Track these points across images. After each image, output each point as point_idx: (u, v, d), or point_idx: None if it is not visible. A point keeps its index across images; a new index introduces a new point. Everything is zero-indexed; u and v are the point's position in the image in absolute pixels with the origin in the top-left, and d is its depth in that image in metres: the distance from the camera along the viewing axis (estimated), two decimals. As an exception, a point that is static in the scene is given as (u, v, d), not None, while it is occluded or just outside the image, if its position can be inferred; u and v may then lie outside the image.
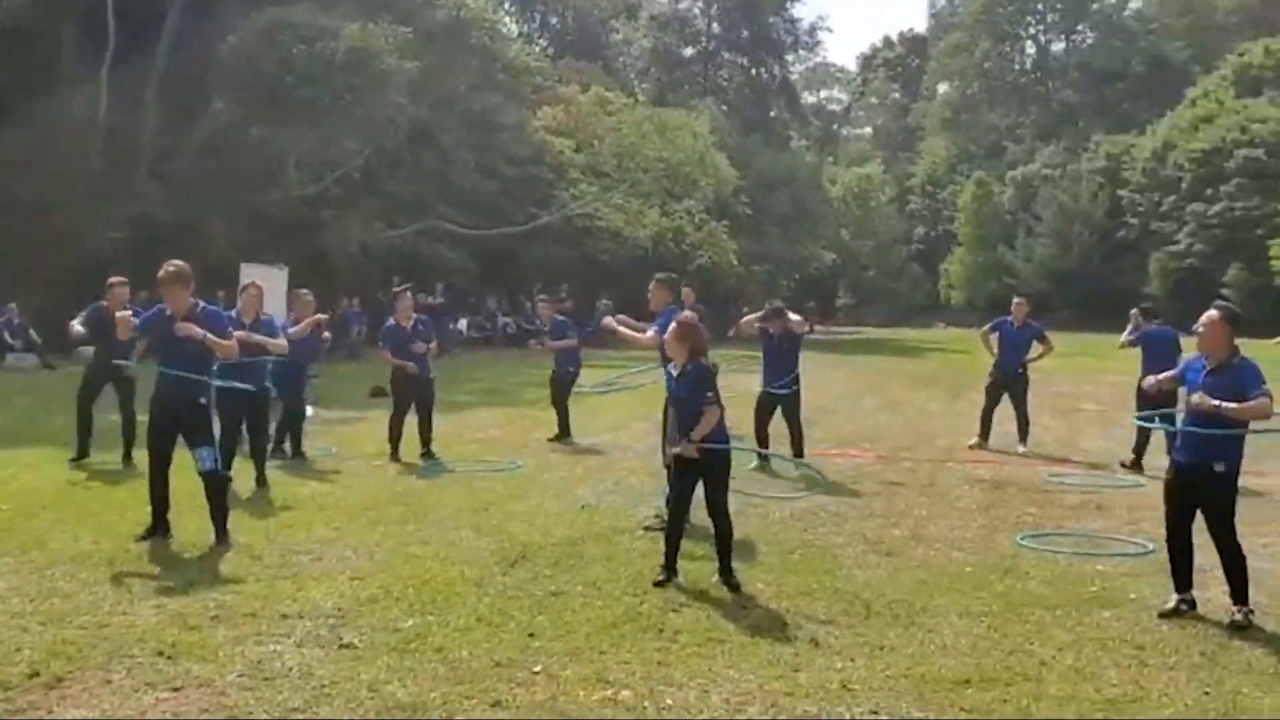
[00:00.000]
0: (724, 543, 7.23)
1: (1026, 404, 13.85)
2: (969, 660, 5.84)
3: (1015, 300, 14.49)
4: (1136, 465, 12.22)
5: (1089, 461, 12.97)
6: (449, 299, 33.50)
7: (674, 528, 7.36)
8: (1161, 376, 7.52)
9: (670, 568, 7.27)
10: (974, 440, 13.85)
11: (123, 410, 11.91)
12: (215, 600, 6.69)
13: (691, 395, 7.29)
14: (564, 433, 14.03)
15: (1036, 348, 14.01)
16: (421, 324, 12.73)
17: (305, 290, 13.26)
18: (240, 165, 29.80)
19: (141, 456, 11.69)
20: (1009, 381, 13.86)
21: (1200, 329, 6.79)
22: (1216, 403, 6.55)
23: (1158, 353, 11.76)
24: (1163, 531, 6.99)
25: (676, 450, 7.30)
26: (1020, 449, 13.46)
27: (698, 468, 7.26)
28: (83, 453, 11.80)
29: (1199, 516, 6.78)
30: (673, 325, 7.55)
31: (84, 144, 27.21)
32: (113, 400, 12.01)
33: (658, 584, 7.15)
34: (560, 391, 14.25)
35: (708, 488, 7.29)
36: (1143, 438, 12.28)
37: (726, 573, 7.16)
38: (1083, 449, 14.02)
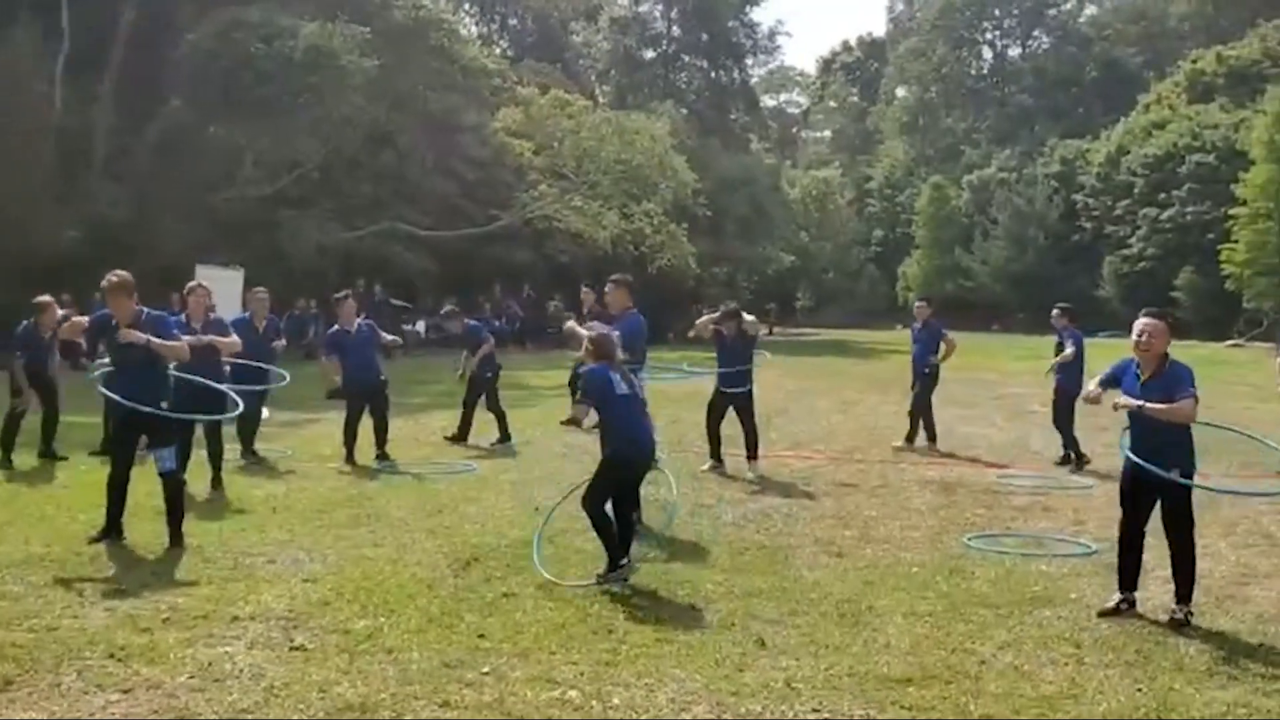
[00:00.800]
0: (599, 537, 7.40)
1: (927, 402, 14.24)
2: (911, 659, 5.95)
3: (917, 304, 15.16)
4: (1080, 465, 12.56)
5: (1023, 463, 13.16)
6: (383, 301, 33.34)
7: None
8: (1097, 381, 7.43)
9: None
10: (924, 443, 14.10)
11: (44, 407, 12.15)
12: (167, 602, 6.71)
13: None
14: (462, 435, 14.20)
15: (942, 348, 14.43)
16: (365, 327, 12.98)
17: (261, 289, 13.24)
18: (197, 164, 29.61)
19: (63, 449, 11.88)
20: (918, 381, 14.34)
21: (1149, 340, 6.71)
22: (1139, 403, 6.67)
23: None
24: (1107, 532, 7.09)
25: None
26: (925, 444, 14.06)
27: None
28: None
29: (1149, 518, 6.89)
30: (585, 341, 7.96)
31: (38, 143, 26.90)
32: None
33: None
34: (473, 394, 14.38)
35: None
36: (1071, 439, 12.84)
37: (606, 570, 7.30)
38: (1033, 450, 14.22)
